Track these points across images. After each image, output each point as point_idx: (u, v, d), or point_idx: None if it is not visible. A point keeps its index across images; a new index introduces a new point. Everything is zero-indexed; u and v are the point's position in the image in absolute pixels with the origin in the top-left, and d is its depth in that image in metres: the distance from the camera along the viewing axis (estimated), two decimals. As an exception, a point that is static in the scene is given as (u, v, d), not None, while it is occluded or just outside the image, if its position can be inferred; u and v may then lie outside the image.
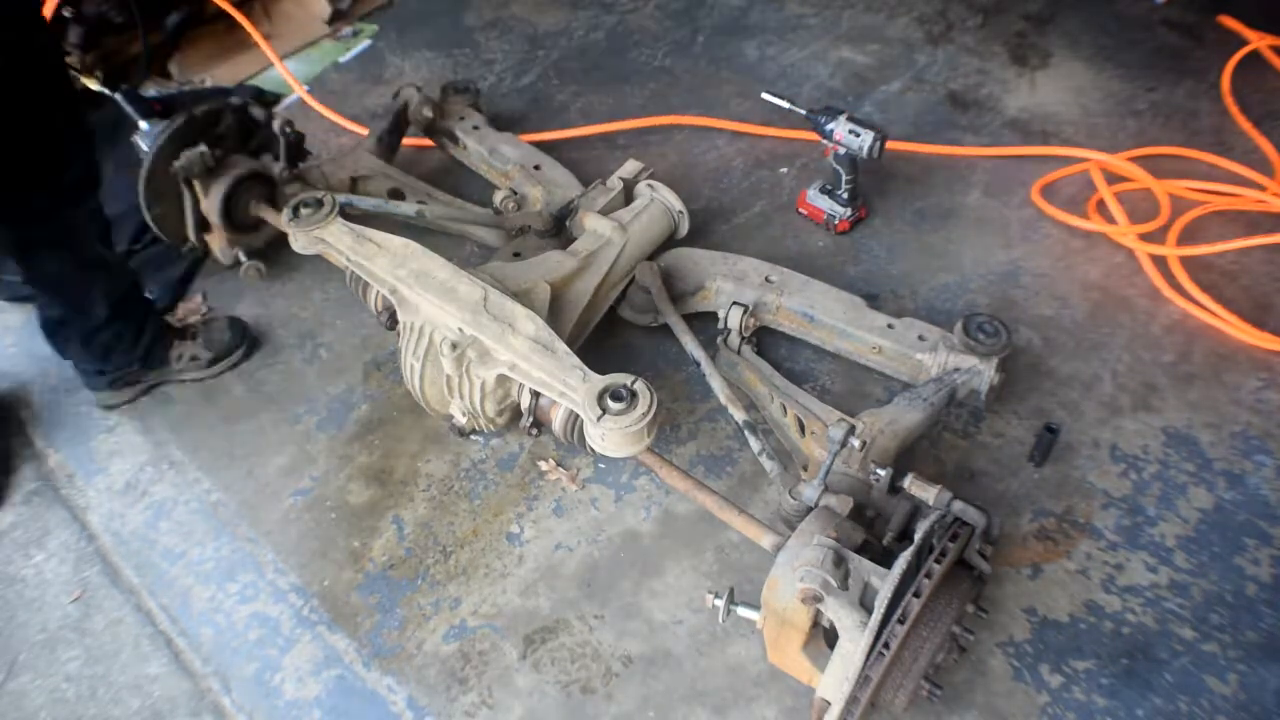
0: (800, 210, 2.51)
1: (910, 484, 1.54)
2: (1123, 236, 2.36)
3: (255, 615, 1.85)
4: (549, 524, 1.94)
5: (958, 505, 1.49)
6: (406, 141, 2.66)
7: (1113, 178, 2.51)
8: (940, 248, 2.42)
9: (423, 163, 2.72)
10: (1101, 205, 2.44)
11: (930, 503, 1.52)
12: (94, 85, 2.87)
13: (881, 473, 1.62)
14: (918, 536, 1.38)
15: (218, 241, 2.26)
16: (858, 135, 2.22)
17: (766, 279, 2.12)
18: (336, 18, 3.34)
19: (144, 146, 2.09)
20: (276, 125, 2.21)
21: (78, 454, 2.13)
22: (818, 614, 1.38)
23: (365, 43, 3.28)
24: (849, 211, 2.42)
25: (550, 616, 1.80)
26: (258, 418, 2.17)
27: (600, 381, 1.52)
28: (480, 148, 2.56)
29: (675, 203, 2.21)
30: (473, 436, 2.02)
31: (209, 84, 3.10)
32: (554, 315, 1.91)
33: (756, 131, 2.75)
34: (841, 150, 2.27)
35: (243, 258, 2.23)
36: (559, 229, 2.23)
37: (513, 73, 3.09)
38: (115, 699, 1.76)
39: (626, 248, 2.11)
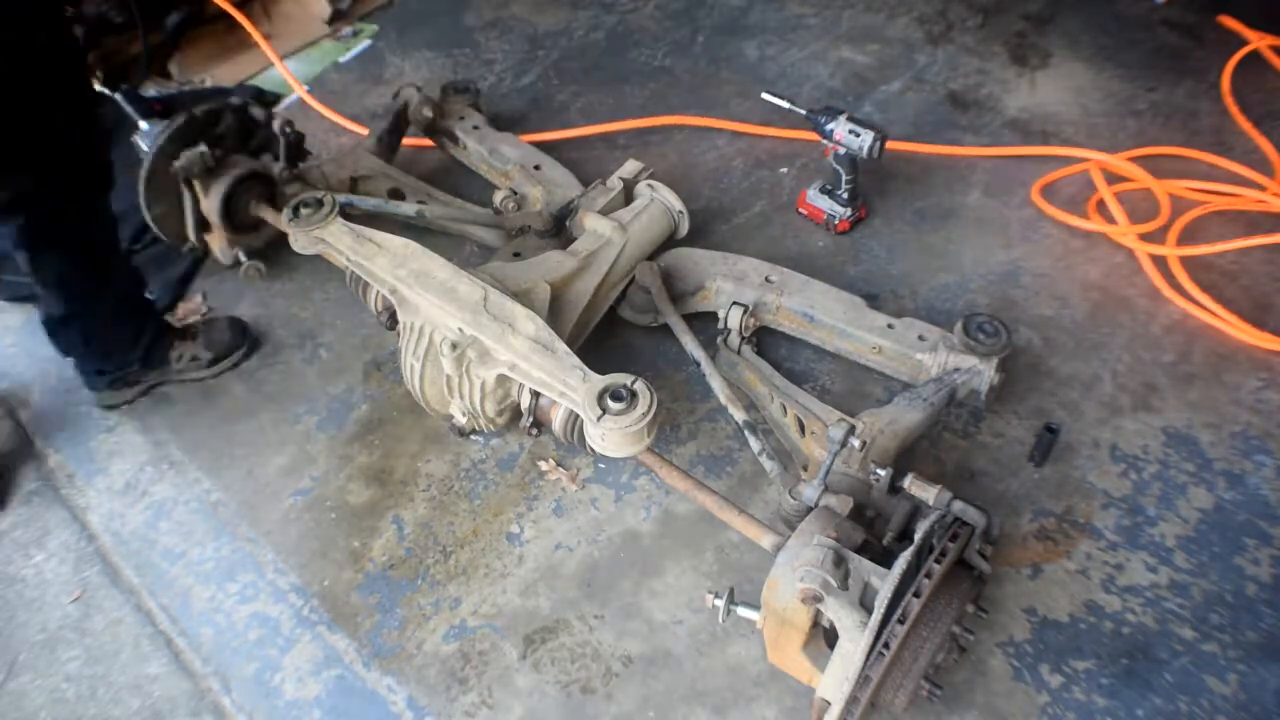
0: (800, 210, 2.51)
1: (910, 484, 1.54)
2: (1123, 236, 2.36)
3: (255, 615, 1.85)
4: (549, 524, 1.94)
5: (958, 505, 1.49)
6: (406, 141, 2.66)
7: (1113, 178, 2.51)
8: (940, 248, 2.42)
9: (423, 163, 2.72)
10: (1101, 205, 2.44)
11: (930, 503, 1.52)
12: (94, 85, 2.87)
13: (881, 473, 1.62)
14: (918, 536, 1.38)
15: (218, 241, 2.26)
16: (858, 135, 2.22)
17: (766, 279, 2.12)
18: (336, 18, 3.34)
19: (144, 146, 2.09)
20: (276, 125, 2.22)
21: (78, 454, 2.13)
22: (818, 614, 1.38)
23: (365, 43, 3.28)
24: (849, 211, 2.42)
25: (550, 616, 1.80)
26: (258, 418, 2.17)
27: (600, 381, 1.52)
28: (480, 148, 2.56)
29: (675, 203, 2.21)
30: (473, 436, 2.02)
31: (209, 84, 3.10)
32: (554, 315, 1.91)
33: (756, 131, 2.75)
34: (841, 150, 2.27)
35: (243, 258, 2.23)
36: (559, 229, 2.23)
37: (513, 73, 3.09)
38: (115, 699, 1.76)
39: (626, 248, 2.11)
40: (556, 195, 2.35)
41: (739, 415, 1.81)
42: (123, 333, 2.07)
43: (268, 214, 2.19)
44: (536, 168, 2.46)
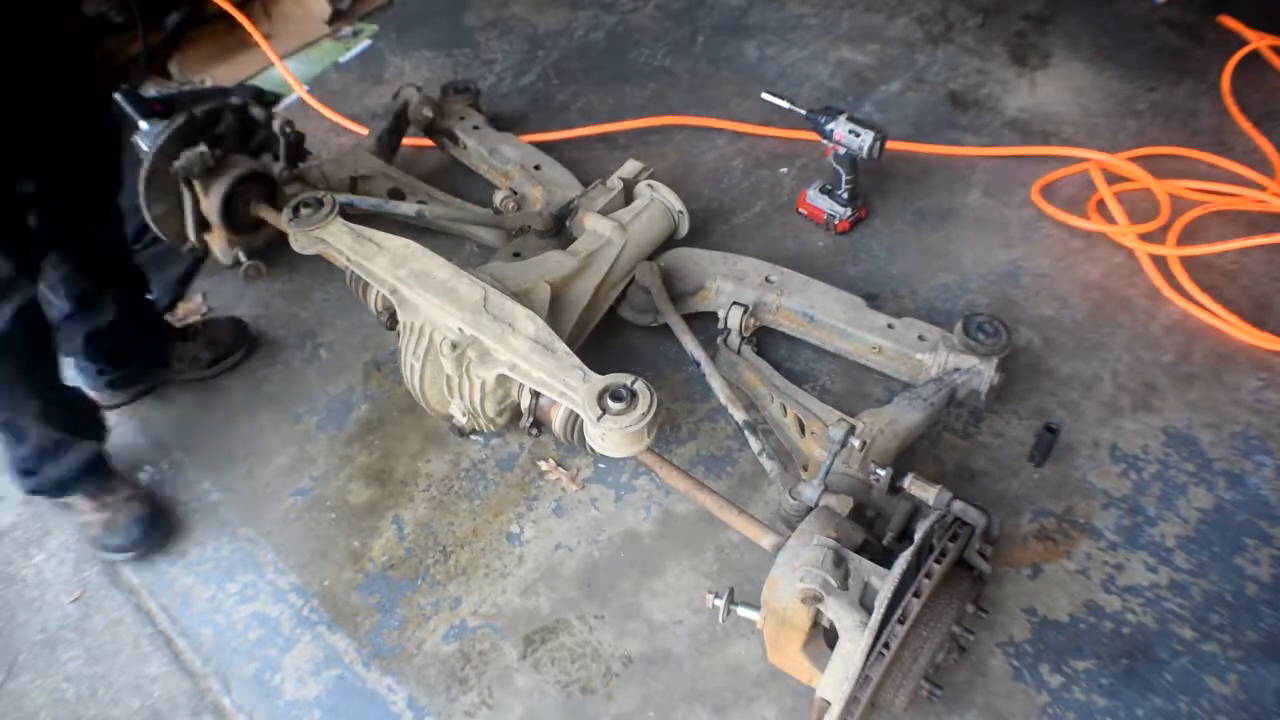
0: (800, 210, 2.51)
1: (910, 484, 1.54)
2: (1123, 236, 2.36)
3: (255, 615, 1.85)
4: (549, 524, 1.94)
5: (958, 505, 1.49)
6: (406, 141, 2.66)
7: (1113, 178, 2.51)
8: (940, 248, 2.42)
9: (423, 163, 2.72)
10: (1101, 205, 2.44)
11: (930, 503, 1.52)
12: (105, 86, 2.86)
13: (881, 473, 1.62)
14: (918, 536, 1.38)
15: (218, 241, 2.25)
16: (858, 135, 2.22)
17: (766, 279, 2.12)
18: (336, 18, 3.34)
19: (144, 146, 2.08)
20: (276, 125, 2.21)
21: None
22: (818, 614, 1.38)
23: (365, 43, 3.28)
24: (849, 211, 2.42)
25: (550, 616, 1.80)
26: (258, 418, 2.17)
27: (600, 381, 1.52)
28: (480, 148, 2.56)
29: (675, 203, 2.21)
30: (473, 436, 2.02)
31: (209, 84, 3.10)
32: (554, 315, 1.91)
33: (756, 131, 2.75)
34: (841, 150, 2.27)
35: (243, 258, 2.23)
36: (559, 229, 2.23)
37: (513, 73, 3.09)
38: (115, 699, 1.76)
39: (626, 248, 2.11)
40: (556, 195, 2.35)
41: (739, 415, 1.81)
42: (125, 333, 2.07)
43: (268, 214, 2.19)
44: (536, 168, 2.46)
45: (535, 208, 2.35)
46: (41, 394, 1.82)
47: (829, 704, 1.35)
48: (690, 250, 2.23)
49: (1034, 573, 1.80)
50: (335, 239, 1.88)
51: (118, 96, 2.16)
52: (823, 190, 2.44)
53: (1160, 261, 2.29)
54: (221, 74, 3.14)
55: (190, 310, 2.40)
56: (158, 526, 1.96)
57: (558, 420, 1.70)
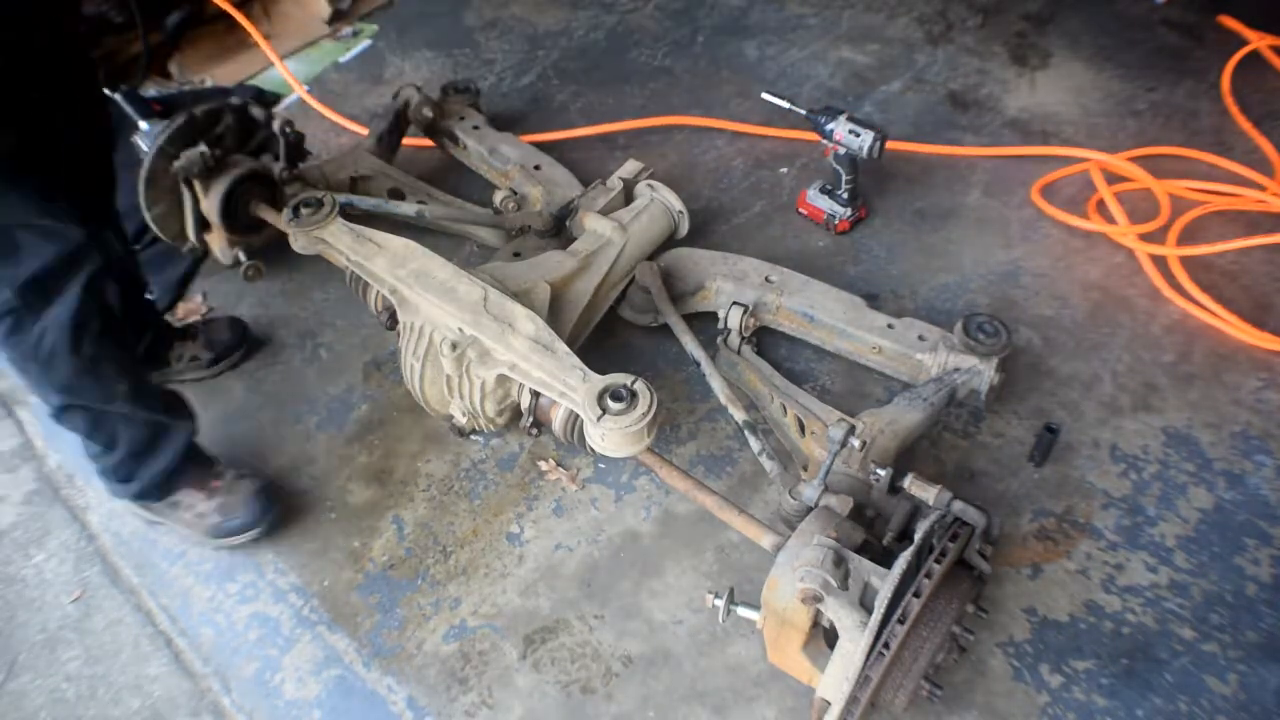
0: (800, 210, 2.51)
1: (910, 484, 1.54)
2: (1123, 236, 2.36)
3: (255, 615, 1.85)
4: (549, 524, 1.94)
5: (958, 505, 1.49)
6: (406, 141, 2.66)
7: (1113, 178, 2.51)
8: (940, 248, 2.42)
9: (423, 163, 2.72)
10: (1101, 205, 2.44)
11: (930, 503, 1.52)
12: (101, 86, 2.87)
13: (881, 473, 1.62)
14: (918, 536, 1.38)
15: (218, 241, 2.25)
16: (858, 135, 2.22)
17: (766, 279, 2.12)
18: (336, 18, 3.34)
19: (144, 146, 2.08)
20: (276, 125, 2.21)
21: (78, 454, 2.12)
22: (818, 614, 1.38)
23: (365, 43, 3.28)
24: (849, 211, 2.42)
25: (550, 616, 1.80)
26: (258, 418, 2.17)
27: (600, 381, 1.52)
28: (480, 148, 2.56)
29: (675, 203, 2.21)
30: (473, 436, 2.02)
31: (209, 84, 3.10)
32: (554, 315, 1.91)
33: (756, 131, 2.75)
34: (841, 150, 2.27)
35: (243, 258, 2.23)
36: (559, 229, 2.23)
37: (513, 73, 3.09)
38: (115, 699, 1.76)
39: (626, 248, 2.11)
40: (556, 195, 2.35)
41: (739, 415, 1.81)
42: (125, 333, 2.07)
43: (268, 214, 2.18)
44: (536, 168, 2.47)
45: (535, 208, 2.35)
46: (130, 372, 1.78)
47: (829, 704, 1.35)
48: (690, 250, 2.23)
49: (1034, 573, 1.80)
50: (335, 239, 1.88)
51: (118, 96, 2.16)
52: (823, 190, 2.45)
53: (1160, 261, 2.29)
54: (221, 74, 3.14)
55: (190, 310, 2.40)
56: (276, 497, 1.96)
57: (558, 420, 1.70)
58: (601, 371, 1.55)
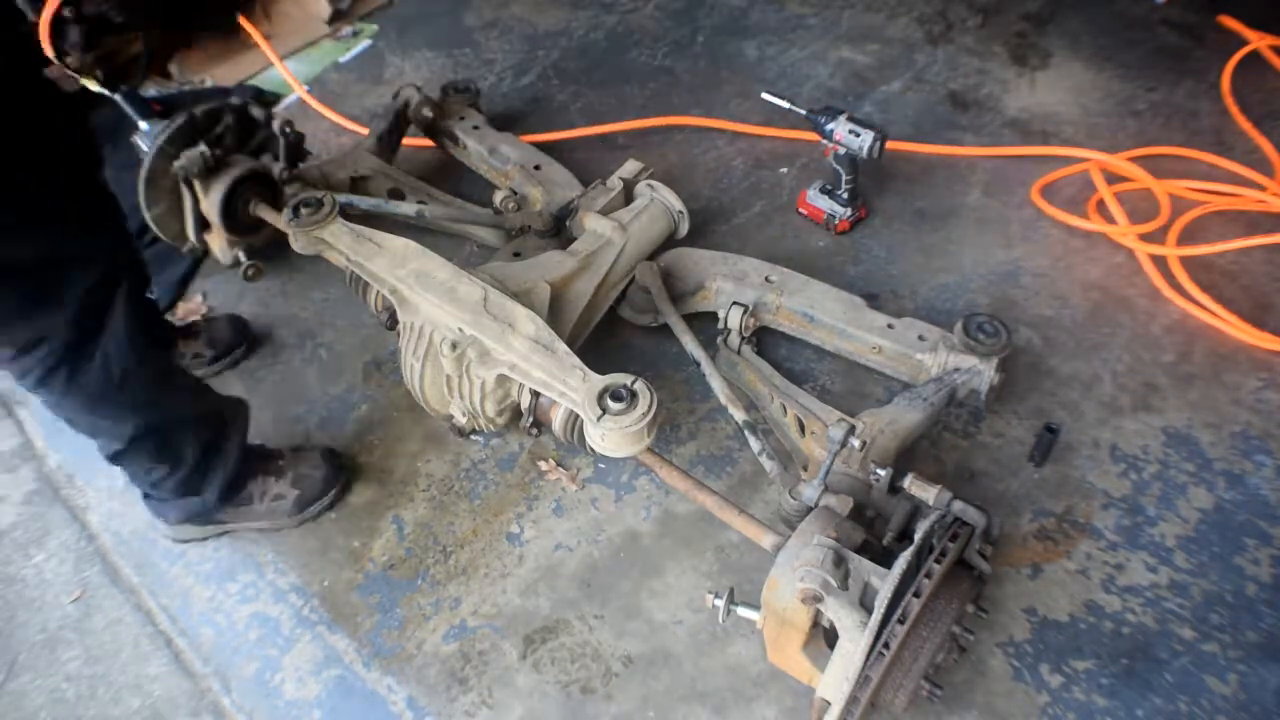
0: (800, 210, 2.51)
1: (910, 484, 1.54)
2: (1123, 236, 2.36)
3: (255, 615, 1.85)
4: (549, 524, 1.94)
5: (958, 505, 1.49)
6: (406, 141, 2.66)
7: (1113, 178, 2.51)
8: (940, 248, 2.42)
9: (423, 163, 2.72)
10: (1101, 205, 2.44)
11: (930, 503, 1.52)
12: (94, 85, 2.86)
13: (881, 473, 1.62)
14: (918, 536, 1.38)
15: (218, 241, 2.25)
16: (858, 135, 2.22)
17: (766, 279, 2.12)
18: (336, 18, 3.34)
19: (144, 146, 2.08)
20: (276, 125, 2.21)
21: (78, 454, 2.13)
22: (818, 614, 1.38)
23: (365, 43, 3.28)
24: (849, 211, 2.42)
25: (550, 616, 1.80)
26: (258, 418, 2.16)
27: (600, 381, 1.52)
28: (480, 148, 2.56)
29: (675, 203, 2.21)
30: (473, 436, 2.02)
31: (209, 84, 3.10)
32: (554, 315, 1.91)
33: (756, 131, 2.75)
34: (841, 150, 2.27)
35: (243, 258, 2.23)
36: (559, 229, 2.23)
37: (513, 73, 3.09)
38: (115, 699, 1.76)
39: (626, 248, 2.11)
40: (556, 195, 2.35)
41: (739, 415, 1.80)
42: (165, 333, 2.07)
43: (268, 214, 2.18)
44: (536, 168, 2.47)
45: (535, 208, 2.35)
46: (185, 370, 1.77)
47: (829, 704, 1.35)
48: (690, 250, 2.23)
49: (1034, 573, 1.80)
50: (335, 239, 1.88)
51: (117, 96, 2.16)
52: (823, 190, 2.45)
53: (1160, 261, 2.29)
54: (221, 74, 3.14)
55: (190, 310, 2.40)
56: (341, 459, 2.01)
57: (558, 420, 1.70)
58: (601, 371, 1.55)
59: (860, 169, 2.35)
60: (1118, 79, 2.85)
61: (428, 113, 2.59)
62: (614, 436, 1.48)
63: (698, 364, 1.92)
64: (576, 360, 1.61)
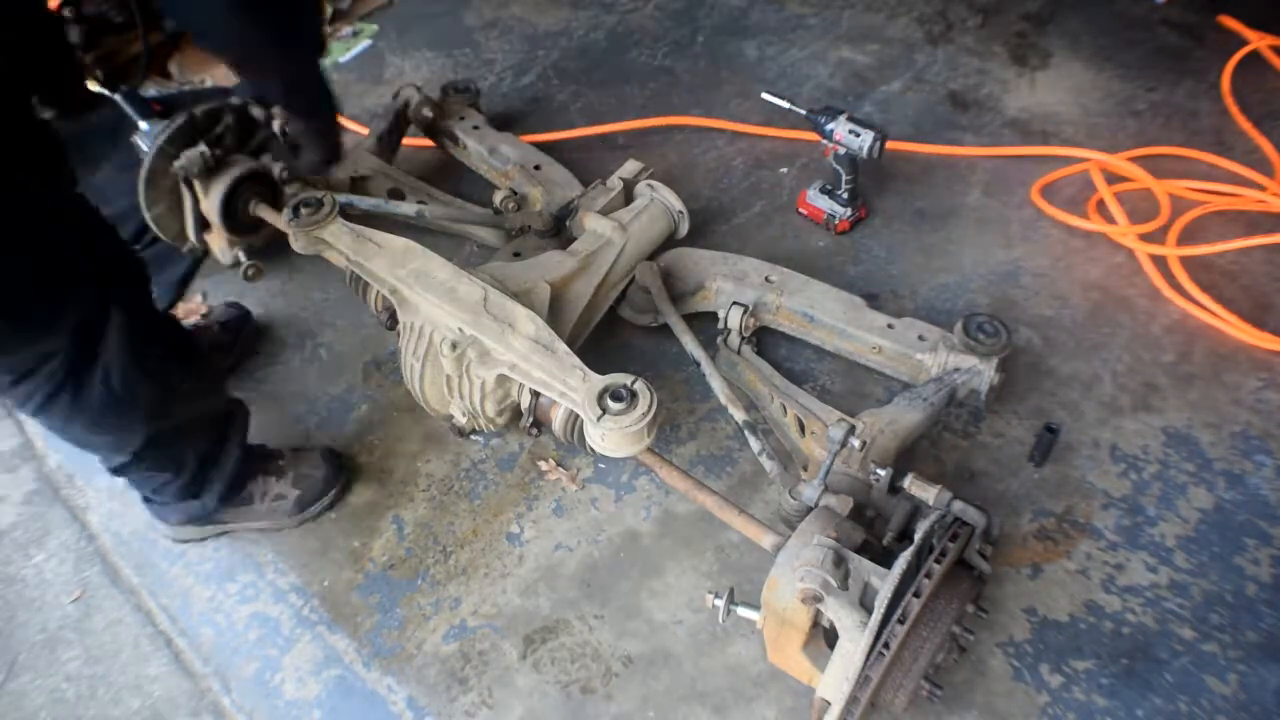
0: (800, 210, 2.51)
1: (910, 484, 1.54)
2: (1123, 236, 2.36)
3: (255, 615, 1.85)
4: (549, 524, 1.94)
5: (958, 505, 1.49)
6: (406, 141, 2.66)
7: (1113, 178, 2.51)
8: (940, 248, 2.42)
9: (423, 163, 2.72)
10: (1101, 205, 2.44)
11: (930, 503, 1.52)
12: (94, 85, 2.87)
13: (881, 473, 1.62)
14: (918, 536, 1.38)
15: (218, 241, 2.25)
16: (858, 135, 2.22)
17: (766, 279, 2.12)
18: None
19: (144, 146, 2.08)
20: (276, 125, 2.21)
21: (78, 454, 2.12)
22: (818, 614, 1.38)
23: (365, 43, 3.28)
24: (849, 211, 2.42)
25: (550, 616, 1.80)
26: (258, 418, 2.16)
27: (600, 381, 1.52)
28: (480, 148, 2.56)
29: (675, 203, 2.21)
30: (473, 436, 2.02)
31: (209, 84, 3.10)
32: (554, 315, 1.91)
33: (756, 131, 2.75)
34: (841, 150, 2.27)
35: (243, 258, 2.22)
36: (559, 229, 2.23)
37: (513, 73, 3.09)
38: (115, 699, 1.76)
39: (626, 248, 2.11)
40: (556, 195, 2.35)
41: (739, 415, 1.80)
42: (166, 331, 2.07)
43: (268, 214, 2.18)
44: (536, 168, 2.46)
45: (535, 208, 2.35)
46: (187, 369, 1.75)
47: (829, 704, 1.35)
48: (690, 250, 2.23)
49: (1034, 573, 1.80)
50: (335, 239, 1.88)
51: (117, 96, 2.16)
52: (823, 190, 2.45)
53: (1160, 261, 2.29)
54: (221, 74, 3.14)
55: (190, 310, 2.40)
56: (341, 459, 2.01)
57: (558, 420, 1.70)
58: (601, 371, 1.55)
59: (860, 169, 2.35)
60: (1118, 79, 2.85)
61: (428, 113, 2.59)
62: (614, 436, 1.48)
63: (698, 364, 1.92)
64: (576, 360, 1.61)
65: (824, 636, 1.45)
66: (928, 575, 1.35)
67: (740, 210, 2.56)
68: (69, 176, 1.51)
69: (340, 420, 2.15)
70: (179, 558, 1.94)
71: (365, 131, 2.68)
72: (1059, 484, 1.92)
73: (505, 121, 2.80)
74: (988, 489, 1.92)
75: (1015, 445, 1.99)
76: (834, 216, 2.43)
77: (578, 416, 1.63)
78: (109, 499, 2.04)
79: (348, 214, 1.96)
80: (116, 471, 1.75)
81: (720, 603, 1.47)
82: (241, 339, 2.26)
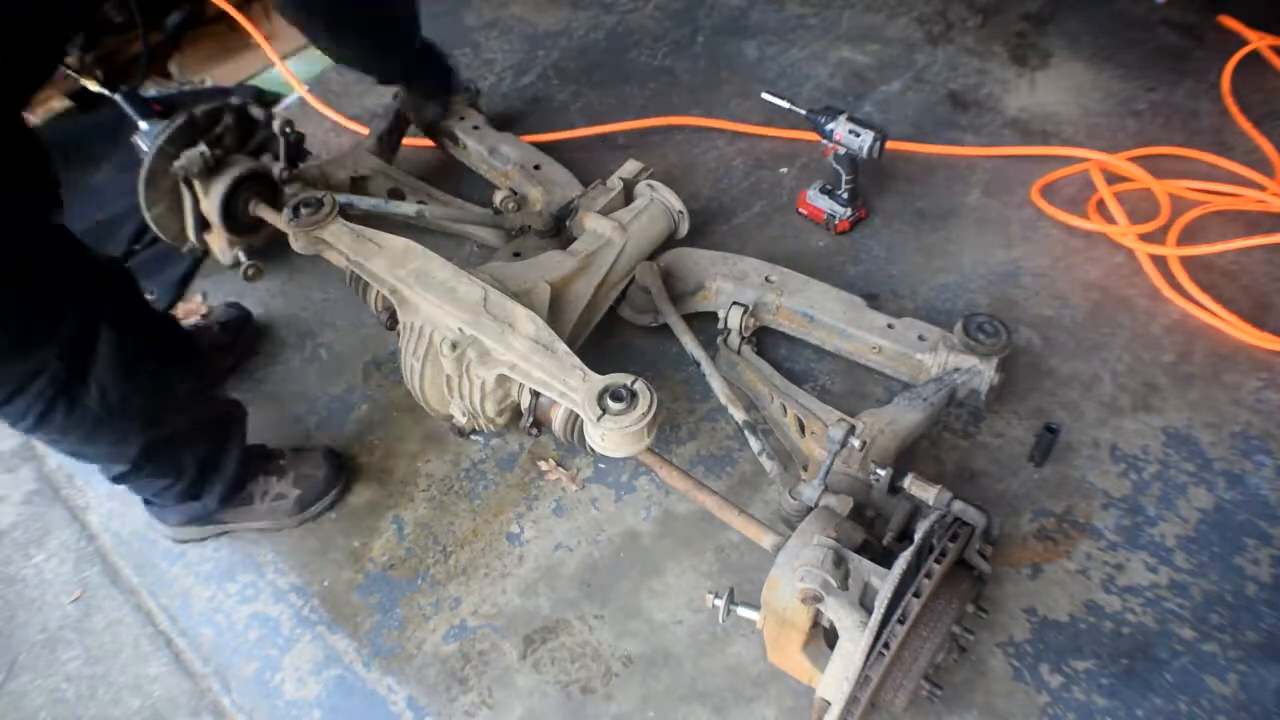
0: (800, 210, 2.51)
1: (910, 484, 1.54)
2: (1123, 236, 2.36)
3: (255, 615, 1.85)
4: (549, 524, 1.94)
5: (958, 505, 1.49)
6: (406, 141, 2.66)
7: (1113, 178, 2.51)
8: (940, 248, 2.42)
9: (423, 163, 2.72)
10: (1101, 205, 2.44)
11: (930, 503, 1.52)
12: (94, 85, 2.87)
13: (881, 473, 1.62)
14: (918, 536, 1.38)
15: (218, 241, 2.26)
16: (858, 135, 2.22)
17: (766, 279, 2.12)
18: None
19: (144, 147, 2.09)
20: (276, 125, 2.21)
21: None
22: (818, 614, 1.38)
23: (365, 43, 3.28)
24: (849, 211, 2.42)
25: (550, 616, 1.80)
26: (257, 417, 2.16)
27: (600, 381, 1.52)
28: (480, 148, 2.56)
29: (675, 203, 2.21)
30: (473, 436, 2.02)
31: (209, 84, 3.10)
32: (554, 315, 1.91)
33: (756, 131, 2.75)
34: (841, 150, 2.27)
35: (243, 258, 2.23)
36: (559, 229, 2.23)
37: (513, 73, 3.09)
38: (115, 699, 1.76)
39: (626, 248, 2.11)
40: (556, 195, 2.35)
41: (739, 415, 1.80)
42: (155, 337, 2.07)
43: (268, 214, 2.19)
44: (536, 168, 2.46)
45: (535, 208, 2.35)
46: (185, 375, 1.75)
47: (829, 704, 1.35)
48: (690, 250, 2.23)
49: (1034, 573, 1.80)
50: (335, 239, 1.88)
51: (117, 97, 2.16)
52: (823, 190, 2.45)
53: (1160, 261, 2.29)
54: (221, 74, 3.14)
55: (190, 310, 2.40)
56: (341, 459, 2.01)
57: (558, 420, 1.70)
58: (601, 371, 1.55)
59: (860, 169, 2.35)
60: (1118, 79, 2.85)
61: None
62: (614, 436, 1.48)
63: (698, 364, 1.92)
64: (576, 360, 1.61)
65: (824, 636, 1.45)
66: (928, 575, 1.35)
67: (740, 210, 2.56)
68: (54, 184, 1.50)
69: (340, 420, 2.15)
70: (179, 558, 1.94)
71: (365, 131, 2.69)
72: (1059, 484, 1.92)
73: (505, 121, 2.80)
74: (988, 489, 1.92)
75: (1015, 445, 1.99)
76: (834, 216, 2.43)
77: (578, 416, 1.63)
78: (109, 499, 2.04)
79: (348, 214, 1.96)
80: (117, 480, 1.75)
81: (720, 603, 1.47)
82: (242, 340, 2.26)
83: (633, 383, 1.50)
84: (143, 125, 2.12)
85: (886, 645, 1.29)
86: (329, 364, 2.27)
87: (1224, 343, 2.14)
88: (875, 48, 3.06)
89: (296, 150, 2.30)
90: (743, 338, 2.07)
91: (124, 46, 3.06)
